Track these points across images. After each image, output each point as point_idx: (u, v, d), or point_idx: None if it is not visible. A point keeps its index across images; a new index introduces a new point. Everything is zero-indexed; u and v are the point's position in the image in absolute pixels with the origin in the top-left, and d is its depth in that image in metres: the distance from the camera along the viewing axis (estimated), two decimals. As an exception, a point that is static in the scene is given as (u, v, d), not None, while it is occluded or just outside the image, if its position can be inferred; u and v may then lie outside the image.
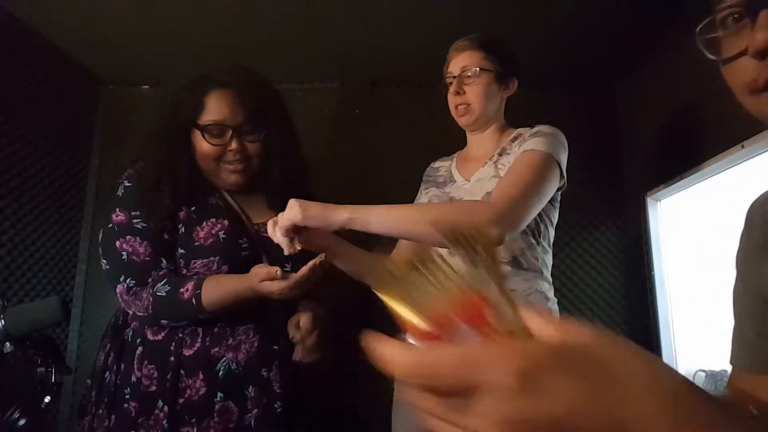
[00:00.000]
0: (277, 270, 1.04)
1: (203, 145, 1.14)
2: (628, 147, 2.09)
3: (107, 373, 1.14)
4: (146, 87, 2.25)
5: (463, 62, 1.27)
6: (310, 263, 1.06)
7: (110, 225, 1.14)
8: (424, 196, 1.39)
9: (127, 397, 1.09)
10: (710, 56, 0.55)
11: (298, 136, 1.28)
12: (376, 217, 1.00)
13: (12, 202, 1.79)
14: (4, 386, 1.15)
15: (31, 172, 1.87)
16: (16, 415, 1.02)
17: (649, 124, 1.94)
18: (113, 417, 1.10)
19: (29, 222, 1.86)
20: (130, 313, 1.14)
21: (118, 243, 1.12)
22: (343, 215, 0.99)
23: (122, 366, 1.13)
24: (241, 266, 1.14)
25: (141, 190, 1.15)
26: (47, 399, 1.09)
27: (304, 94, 2.17)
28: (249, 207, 1.25)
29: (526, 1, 1.63)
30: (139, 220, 1.13)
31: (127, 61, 2.05)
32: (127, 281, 1.12)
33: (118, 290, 1.13)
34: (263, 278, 1.05)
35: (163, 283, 1.11)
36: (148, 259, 1.12)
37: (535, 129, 1.25)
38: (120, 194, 1.16)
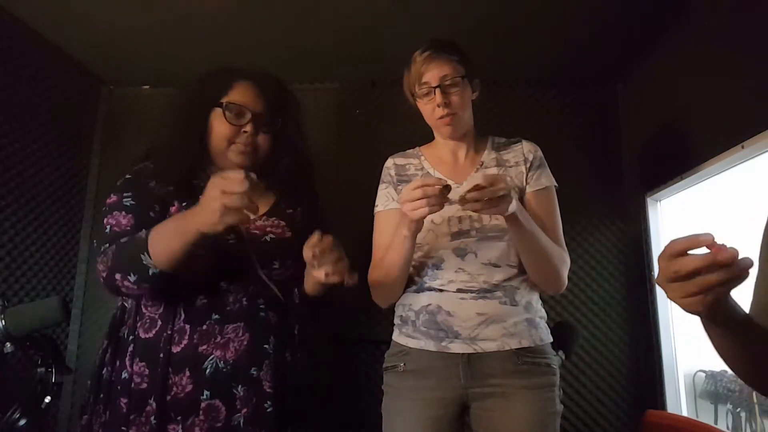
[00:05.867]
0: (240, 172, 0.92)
1: (221, 124, 1.18)
2: (628, 147, 2.09)
3: (104, 369, 1.14)
4: (146, 87, 2.25)
5: (442, 71, 1.23)
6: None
7: (104, 208, 1.17)
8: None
9: (121, 394, 1.10)
10: None
11: (307, 139, 1.31)
12: (535, 228, 1.17)
13: (12, 202, 1.79)
14: (4, 386, 1.15)
15: (31, 172, 1.87)
16: (17, 415, 1.02)
17: (649, 124, 1.94)
18: (108, 413, 1.10)
19: (29, 222, 1.86)
20: (101, 281, 1.09)
21: (105, 221, 1.14)
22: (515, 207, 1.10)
23: (117, 363, 1.13)
24: (228, 262, 1.14)
25: (138, 178, 1.18)
26: (47, 399, 1.09)
27: (304, 94, 2.16)
28: None
29: (526, 3, 1.64)
30: (128, 199, 1.15)
31: (127, 61, 2.05)
32: (103, 248, 1.10)
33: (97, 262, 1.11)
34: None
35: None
36: (128, 228, 1.12)
37: (532, 154, 1.32)
38: (118, 183, 1.20)
